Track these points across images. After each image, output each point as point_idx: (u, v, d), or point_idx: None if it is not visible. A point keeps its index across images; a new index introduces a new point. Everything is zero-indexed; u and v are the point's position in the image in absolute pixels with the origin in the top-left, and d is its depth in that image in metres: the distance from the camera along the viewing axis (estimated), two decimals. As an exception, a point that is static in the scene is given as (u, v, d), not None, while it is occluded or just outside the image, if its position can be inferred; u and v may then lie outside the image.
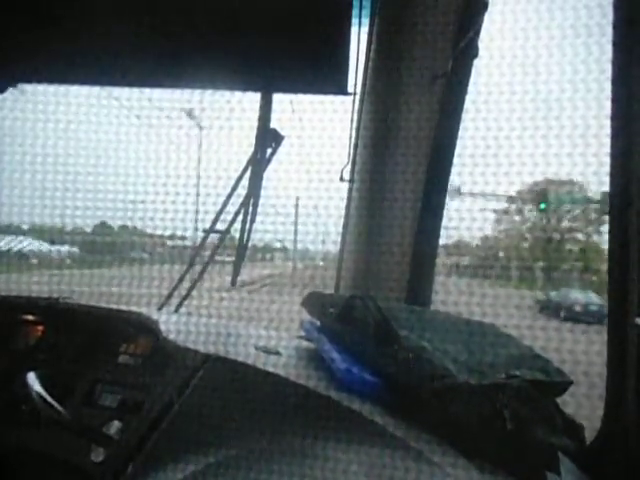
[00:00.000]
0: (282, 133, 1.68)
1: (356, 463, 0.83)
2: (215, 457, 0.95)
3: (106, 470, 1.12)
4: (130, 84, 1.41)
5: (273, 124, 1.62)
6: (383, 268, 1.49)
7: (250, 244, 1.81)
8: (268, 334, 1.48)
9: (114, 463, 1.13)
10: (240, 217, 1.74)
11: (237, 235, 1.84)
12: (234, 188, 1.73)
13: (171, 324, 1.35)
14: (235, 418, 1.00)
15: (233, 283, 1.92)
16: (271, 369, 1.07)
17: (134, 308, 1.56)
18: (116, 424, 1.22)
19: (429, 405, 0.90)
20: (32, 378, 1.22)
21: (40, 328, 1.53)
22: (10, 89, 1.31)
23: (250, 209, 1.74)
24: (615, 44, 0.95)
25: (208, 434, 1.00)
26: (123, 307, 1.56)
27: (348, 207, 1.68)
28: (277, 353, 1.20)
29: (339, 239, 1.73)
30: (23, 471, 1.30)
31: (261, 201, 1.73)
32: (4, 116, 1.48)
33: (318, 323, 1.33)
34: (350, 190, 1.66)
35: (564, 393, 0.93)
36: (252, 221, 1.78)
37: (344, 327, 1.15)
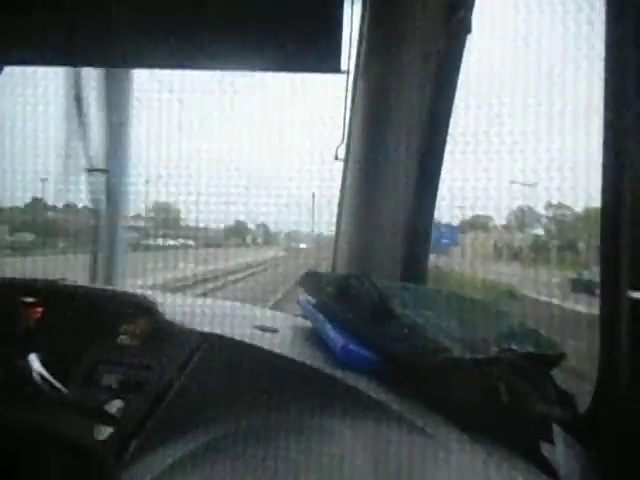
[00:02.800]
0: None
1: (354, 437, 0.85)
2: (215, 434, 0.96)
3: (109, 447, 1.14)
4: (130, 65, 1.40)
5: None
6: (379, 246, 1.50)
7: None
8: (265, 312, 1.49)
9: (117, 440, 1.15)
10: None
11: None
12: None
13: (169, 304, 1.36)
14: (234, 396, 1.01)
15: None
16: (268, 347, 1.08)
17: (133, 289, 1.57)
18: (117, 403, 1.23)
19: (426, 380, 0.92)
20: (33, 359, 1.24)
21: (39, 310, 1.54)
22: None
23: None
24: (609, 19, 0.95)
25: (208, 412, 1.02)
26: (122, 288, 1.57)
27: (343, 186, 1.68)
28: (275, 331, 1.22)
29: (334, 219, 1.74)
30: (27, 451, 1.32)
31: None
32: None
33: (315, 301, 1.34)
34: (345, 169, 1.66)
35: (558, 365, 0.95)
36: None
37: (341, 305, 1.16)
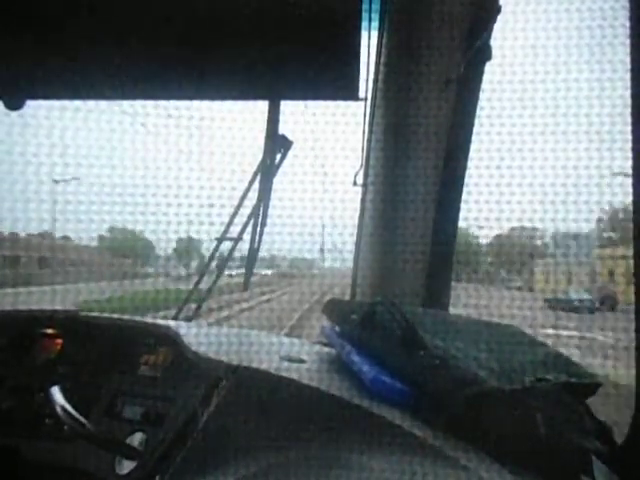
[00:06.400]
0: (290, 139, 1.68)
1: (388, 471, 0.83)
2: (245, 471, 0.93)
3: None
4: (138, 96, 1.41)
5: (285, 130, 1.62)
6: (399, 273, 1.49)
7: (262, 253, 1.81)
8: (289, 341, 1.47)
9: (139, 475, 1.12)
10: (251, 223, 1.74)
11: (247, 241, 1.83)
12: (244, 195, 1.73)
13: (191, 334, 1.34)
14: (263, 430, 0.99)
15: (245, 288, 1.92)
16: (297, 378, 1.06)
17: (153, 319, 1.55)
18: (139, 436, 1.21)
19: (460, 411, 0.90)
20: (55, 391, 1.22)
21: (60, 341, 1.52)
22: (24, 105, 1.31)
23: (260, 215, 1.75)
24: (633, 45, 0.95)
25: (236, 447, 0.99)
26: (142, 318, 1.55)
27: (362, 212, 1.67)
28: (301, 361, 1.20)
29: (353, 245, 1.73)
30: None
31: (272, 207, 1.73)
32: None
33: (338, 329, 1.32)
34: (363, 195, 1.66)
35: (593, 395, 0.93)
36: (262, 226, 1.78)
37: (368, 334, 1.14)
